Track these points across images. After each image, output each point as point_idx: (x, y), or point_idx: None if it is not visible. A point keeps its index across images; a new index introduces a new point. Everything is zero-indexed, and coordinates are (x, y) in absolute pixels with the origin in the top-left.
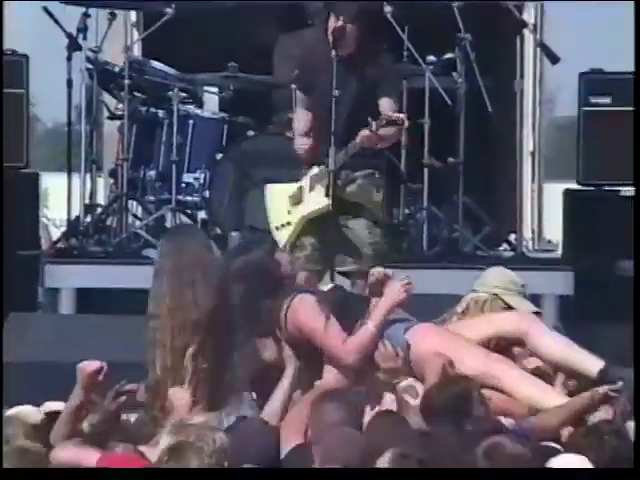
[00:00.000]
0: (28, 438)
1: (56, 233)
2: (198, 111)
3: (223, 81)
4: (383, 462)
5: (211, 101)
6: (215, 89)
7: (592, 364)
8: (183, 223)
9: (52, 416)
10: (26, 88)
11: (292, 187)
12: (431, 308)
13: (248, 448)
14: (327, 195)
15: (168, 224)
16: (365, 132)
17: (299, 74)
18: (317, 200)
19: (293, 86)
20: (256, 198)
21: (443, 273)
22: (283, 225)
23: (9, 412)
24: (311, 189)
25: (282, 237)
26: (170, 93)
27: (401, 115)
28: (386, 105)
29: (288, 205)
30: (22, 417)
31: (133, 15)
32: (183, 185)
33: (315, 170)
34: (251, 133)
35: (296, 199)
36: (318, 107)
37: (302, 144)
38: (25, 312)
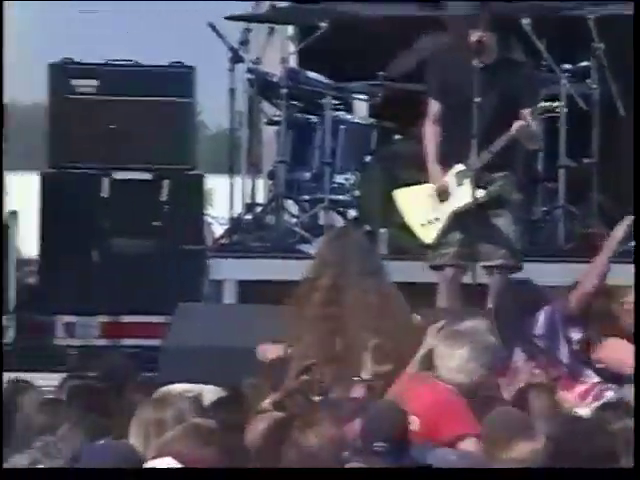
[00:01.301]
0: (202, 415)
1: (219, 230)
2: (349, 117)
3: (372, 89)
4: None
5: (361, 107)
6: (365, 96)
7: None
8: (344, 223)
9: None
10: (193, 97)
11: (426, 187)
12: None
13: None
14: (473, 191)
15: (321, 221)
16: (520, 123)
17: (438, 81)
18: (464, 196)
19: (430, 93)
20: None
21: (580, 267)
22: (430, 222)
23: (177, 389)
24: (457, 185)
25: (428, 233)
26: (323, 100)
27: (555, 103)
28: (527, 113)
29: (432, 203)
30: (196, 395)
31: (290, 29)
32: (335, 185)
33: (459, 167)
34: (398, 137)
35: (442, 196)
36: (458, 113)
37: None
38: (191, 302)
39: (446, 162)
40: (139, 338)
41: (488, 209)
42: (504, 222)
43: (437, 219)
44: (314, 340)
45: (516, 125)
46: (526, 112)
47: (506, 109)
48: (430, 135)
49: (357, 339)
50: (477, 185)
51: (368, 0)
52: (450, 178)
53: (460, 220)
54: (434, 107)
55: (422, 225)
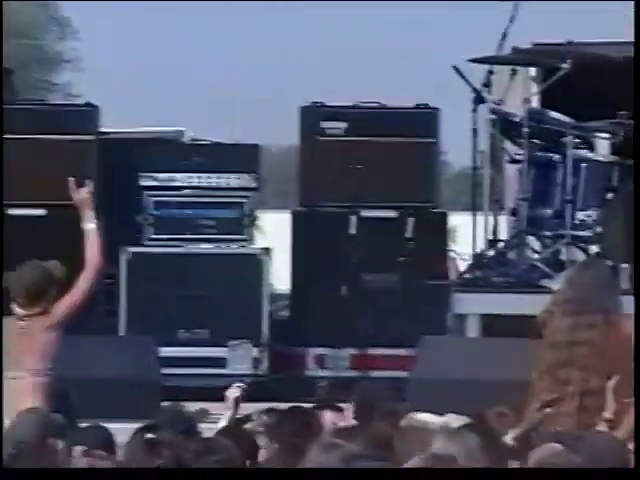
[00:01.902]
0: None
1: (463, 265)
2: (590, 155)
3: (613, 127)
4: None
5: (602, 145)
6: (606, 134)
7: None
8: (591, 257)
9: None
10: (437, 137)
11: None
12: None
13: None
14: None
15: (563, 257)
16: None
17: None
18: None
19: None
20: None
21: None
22: None
23: (422, 418)
24: None
25: None
26: (565, 139)
27: None
28: None
29: None
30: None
31: (532, 71)
32: (577, 222)
33: None
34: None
35: None
36: None
37: None
38: (435, 335)
39: None
40: (386, 370)
41: None
42: None
43: None
44: (554, 373)
45: None
46: None
47: None
48: None
49: (597, 375)
50: None
51: None
52: None
53: None
54: None
55: None
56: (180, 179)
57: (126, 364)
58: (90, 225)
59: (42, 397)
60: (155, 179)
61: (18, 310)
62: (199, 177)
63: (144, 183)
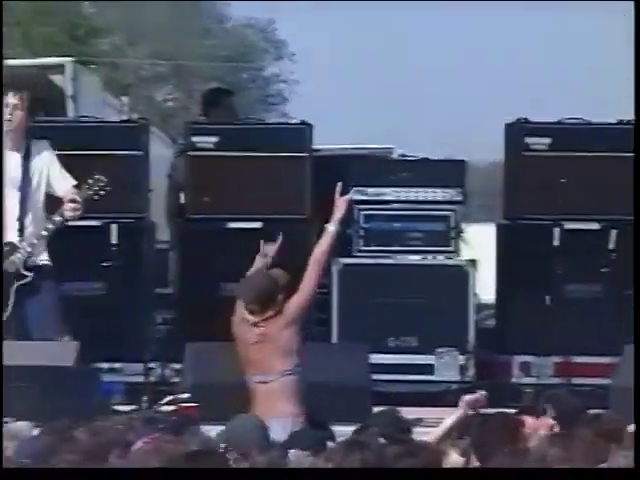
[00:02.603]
0: None
1: None
2: None
3: None
4: None
5: None
6: None
7: None
8: None
9: None
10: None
11: None
12: None
13: None
14: None
15: None
16: None
17: None
18: None
19: None
20: None
21: None
22: None
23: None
24: None
25: None
26: None
27: None
28: None
29: None
30: None
31: None
32: None
33: None
34: None
35: None
36: None
37: None
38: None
39: None
40: (588, 377)
41: None
42: None
43: None
44: None
45: None
46: None
47: None
48: None
49: None
50: None
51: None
52: None
53: None
54: None
55: None
56: (389, 193)
57: (338, 370)
58: (330, 227)
59: (291, 396)
60: (365, 193)
61: (252, 317)
62: (407, 191)
63: (355, 197)
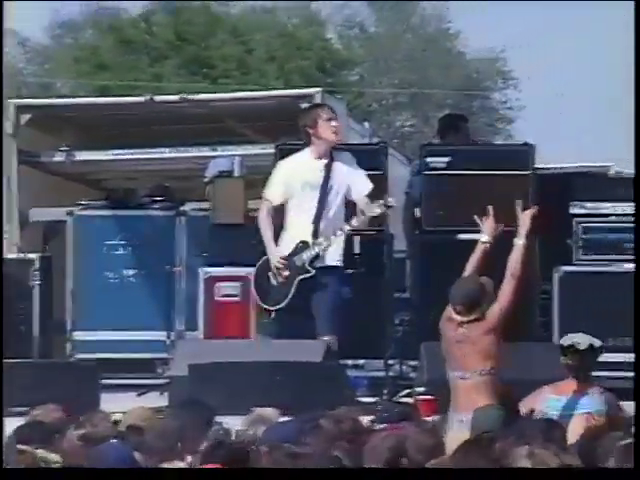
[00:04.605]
0: None
1: None
2: None
3: None
4: None
5: None
6: None
7: None
8: None
9: None
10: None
11: None
12: None
13: None
14: None
15: None
16: None
17: None
18: None
19: None
20: None
21: None
22: None
23: None
24: None
25: None
26: None
27: None
28: None
29: None
30: None
31: None
32: None
33: None
34: None
35: None
36: None
37: None
38: None
39: None
40: None
41: None
42: None
43: None
44: None
45: None
46: None
47: None
48: None
49: None
50: None
51: None
52: None
53: None
54: None
55: None
56: (606, 207)
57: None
58: (518, 241)
59: (488, 393)
60: (584, 207)
61: (457, 317)
62: (623, 206)
63: (574, 211)
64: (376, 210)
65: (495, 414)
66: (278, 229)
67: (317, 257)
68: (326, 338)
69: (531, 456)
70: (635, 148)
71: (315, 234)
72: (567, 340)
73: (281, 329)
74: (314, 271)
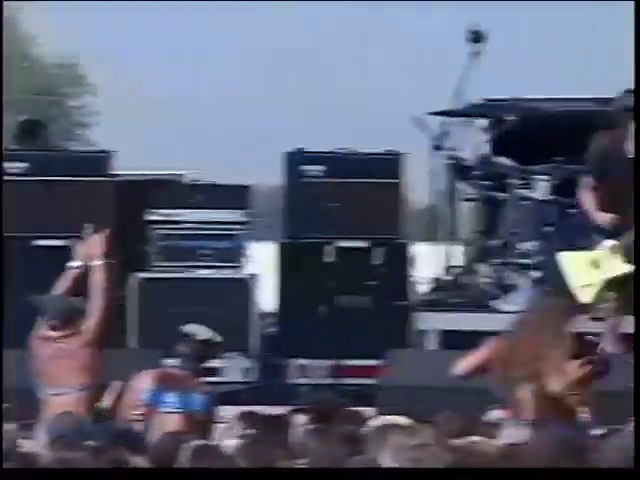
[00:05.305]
0: None
1: (424, 288)
2: (532, 194)
3: (551, 171)
4: None
5: (542, 186)
6: (545, 177)
7: None
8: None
9: None
10: (402, 178)
11: (589, 254)
12: None
13: None
14: (624, 264)
15: (508, 282)
16: None
17: (601, 164)
18: (615, 267)
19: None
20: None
21: None
22: (586, 286)
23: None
24: (611, 257)
25: (585, 295)
26: (510, 181)
27: None
28: None
29: (589, 269)
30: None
31: (483, 121)
32: (520, 251)
33: (610, 242)
34: (572, 211)
35: (596, 264)
36: (615, 190)
37: (603, 219)
38: (401, 348)
39: (604, 230)
40: (358, 378)
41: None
42: None
43: (590, 285)
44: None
45: None
46: None
47: None
48: (589, 202)
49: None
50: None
51: None
52: (605, 250)
53: (613, 284)
54: (591, 182)
55: (580, 287)
56: (182, 214)
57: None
58: (97, 262)
59: (83, 409)
60: (161, 214)
61: (52, 333)
62: (198, 213)
63: (150, 218)
64: None
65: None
66: None
67: None
68: None
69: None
70: (635, 148)
71: None
72: (188, 328)
73: None
74: None
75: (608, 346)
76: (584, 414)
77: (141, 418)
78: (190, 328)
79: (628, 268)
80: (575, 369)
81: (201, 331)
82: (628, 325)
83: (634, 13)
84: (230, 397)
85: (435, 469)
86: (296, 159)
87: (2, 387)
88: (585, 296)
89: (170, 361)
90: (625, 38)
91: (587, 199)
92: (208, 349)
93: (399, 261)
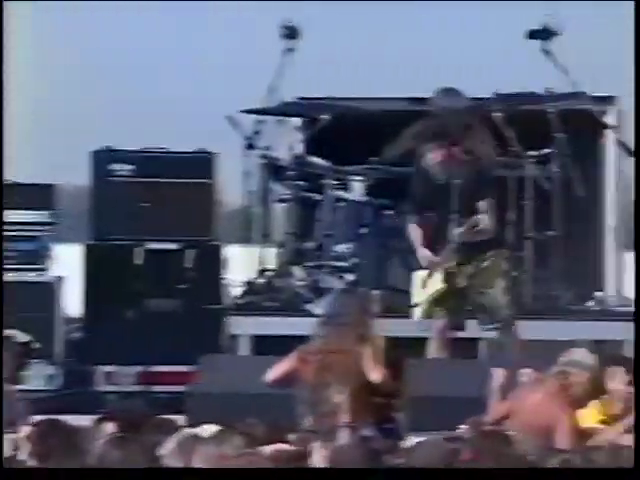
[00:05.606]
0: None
1: (236, 291)
2: (347, 195)
3: (367, 172)
4: None
5: (357, 187)
6: (360, 178)
7: None
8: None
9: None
10: (214, 178)
11: (421, 273)
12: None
13: None
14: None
15: (323, 284)
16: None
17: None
18: (434, 286)
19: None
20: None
21: (545, 323)
22: (425, 299)
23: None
24: (432, 276)
25: (418, 311)
26: (325, 181)
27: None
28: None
29: (423, 283)
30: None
31: (297, 121)
32: (335, 253)
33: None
34: (387, 212)
35: (423, 283)
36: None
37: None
38: (213, 354)
39: (430, 246)
40: (168, 385)
41: (479, 281)
42: (495, 292)
43: (419, 302)
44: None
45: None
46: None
47: (469, 201)
48: (415, 232)
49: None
50: (462, 263)
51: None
52: (436, 261)
53: (440, 299)
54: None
55: (422, 302)
56: (22, 215)
57: None
58: None
59: None
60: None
61: None
62: (33, 214)
63: None
64: None
65: None
66: None
67: None
68: None
69: None
70: (635, 147)
71: None
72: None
73: None
74: None
75: (433, 351)
76: (396, 418)
77: None
78: (8, 332)
79: (445, 285)
80: (387, 373)
81: (19, 334)
82: (454, 330)
83: (634, 13)
84: (33, 406)
85: (435, 469)
86: (103, 158)
87: (2, 389)
88: (418, 312)
89: None
90: (625, 38)
91: (411, 230)
92: (27, 353)
93: (211, 264)
